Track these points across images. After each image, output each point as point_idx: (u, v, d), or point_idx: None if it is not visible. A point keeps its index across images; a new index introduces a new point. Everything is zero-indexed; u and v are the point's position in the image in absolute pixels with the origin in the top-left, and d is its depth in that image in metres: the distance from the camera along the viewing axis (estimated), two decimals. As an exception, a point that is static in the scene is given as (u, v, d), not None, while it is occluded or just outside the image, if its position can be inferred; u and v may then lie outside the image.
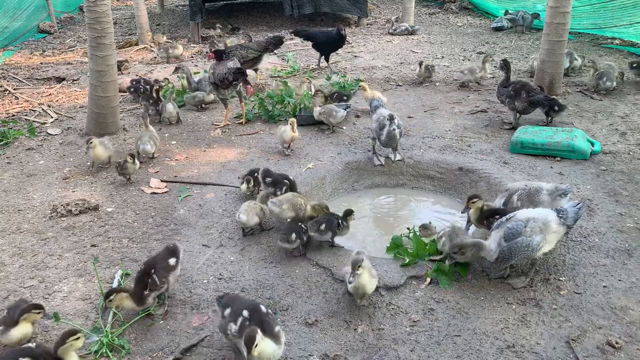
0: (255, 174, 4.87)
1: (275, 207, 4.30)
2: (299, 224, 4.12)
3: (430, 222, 4.37)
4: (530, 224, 3.53)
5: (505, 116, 6.76)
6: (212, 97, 7.51)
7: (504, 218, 3.67)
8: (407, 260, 3.93)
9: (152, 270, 3.49)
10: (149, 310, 3.50)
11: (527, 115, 6.72)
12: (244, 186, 4.89)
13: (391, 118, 5.24)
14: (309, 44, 11.59)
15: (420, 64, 8.39)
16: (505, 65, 6.59)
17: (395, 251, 4.03)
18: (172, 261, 3.61)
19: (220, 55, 6.88)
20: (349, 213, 4.26)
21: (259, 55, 6.96)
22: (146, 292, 3.42)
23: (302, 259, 4.07)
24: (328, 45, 9.19)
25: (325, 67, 9.43)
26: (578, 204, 3.72)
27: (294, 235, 4.01)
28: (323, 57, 9.36)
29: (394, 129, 5.23)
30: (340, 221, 4.18)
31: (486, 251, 3.62)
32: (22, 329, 3.21)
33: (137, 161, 5.35)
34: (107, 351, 3.21)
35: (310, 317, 3.48)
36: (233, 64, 6.57)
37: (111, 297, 3.34)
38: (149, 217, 4.77)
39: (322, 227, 4.09)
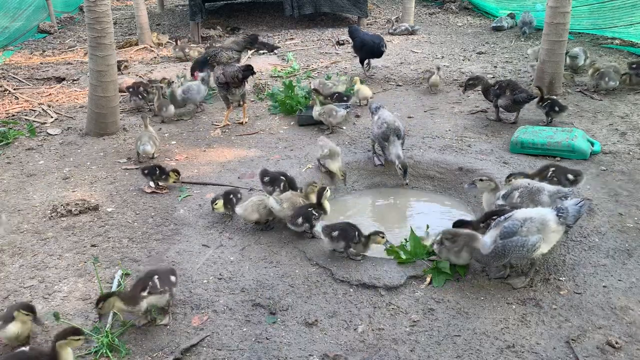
0: (231, 195, 4.56)
1: (276, 205, 4.32)
2: (351, 225, 4.03)
3: (427, 226, 4.37)
4: (526, 224, 3.52)
5: (505, 116, 6.76)
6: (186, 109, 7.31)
7: (502, 217, 3.67)
8: (405, 257, 3.93)
9: (156, 276, 3.42)
10: (154, 320, 3.49)
11: (529, 116, 6.73)
12: (219, 205, 4.53)
13: (391, 140, 5.28)
14: (309, 44, 11.62)
15: (438, 68, 7.91)
16: (477, 79, 6.84)
17: (394, 252, 4.03)
18: (172, 278, 3.53)
19: (202, 67, 7.11)
20: (375, 233, 3.99)
21: (240, 55, 7.13)
22: (143, 294, 3.35)
23: (302, 258, 4.07)
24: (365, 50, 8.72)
25: (370, 74, 9.01)
26: (580, 202, 3.70)
27: (336, 233, 3.96)
28: (365, 61, 8.92)
29: (398, 166, 5.27)
30: (357, 233, 3.97)
31: (480, 243, 3.59)
32: (17, 326, 3.20)
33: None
34: (107, 351, 3.21)
35: (310, 317, 3.48)
36: (239, 64, 6.70)
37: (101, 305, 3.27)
38: (149, 217, 4.77)
39: (335, 234, 3.94)
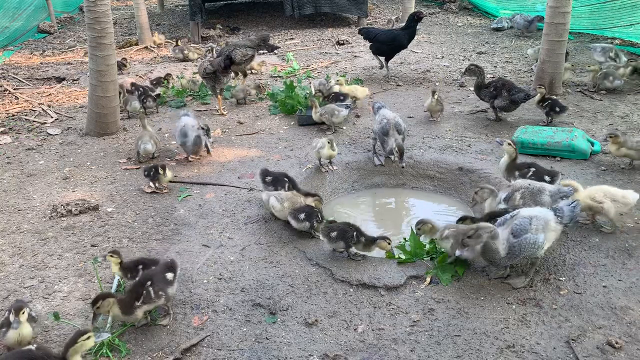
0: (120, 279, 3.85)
1: (277, 203, 4.33)
2: (350, 225, 4.00)
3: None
4: (534, 222, 3.54)
5: (505, 115, 6.76)
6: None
7: (507, 215, 3.67)
8: (405, 257, 3.93)
9: (149, 282, 3.37)
10: (154, 320, 3.48)
11: (529, 116, 6.73)
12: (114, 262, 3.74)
13: (391, 134, 5.27)
14: (309, 44, 11.62)
15: (433, 92, 6.58)
16: (478, 70, 6.64)
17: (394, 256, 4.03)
18: (169, 276, 3.46)
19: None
20: (382, 239, 3.94)
21: (254, 53, 7.24)
22: (137, 304, 3.31)
23: (302, 258, 4.07)
24: (390, 45, 8.45)
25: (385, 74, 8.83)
26: (573, 202, 3.74)
27: (335, 234, 3.94)
28: (384, 59, 8.71)
29: (395, 148, 5.24)
30: (356, 234, 3.95)
31: (499, 241, 3.54)
32: (15, 331, 3.15)
33: (168, 172, 5.19)
34: (107, 351, 3.21)
35: (310, 317, 3.48)
36: (221, 57, 7.05)
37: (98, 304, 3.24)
38: (149, 217, 4.77)
39: (333, 234, 3.94)
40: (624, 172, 5.18)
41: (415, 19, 8.23)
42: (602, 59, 8.15)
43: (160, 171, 5.13)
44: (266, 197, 4.52)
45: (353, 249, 4.01)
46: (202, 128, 5.90)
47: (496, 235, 3.52)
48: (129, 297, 3.33)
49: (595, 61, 8.19)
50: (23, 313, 3.16)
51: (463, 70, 7.04)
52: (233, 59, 6.95)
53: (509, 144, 4.71)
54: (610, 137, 5.16)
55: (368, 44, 8.99)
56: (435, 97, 6.52)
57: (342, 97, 7.03)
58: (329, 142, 5.32)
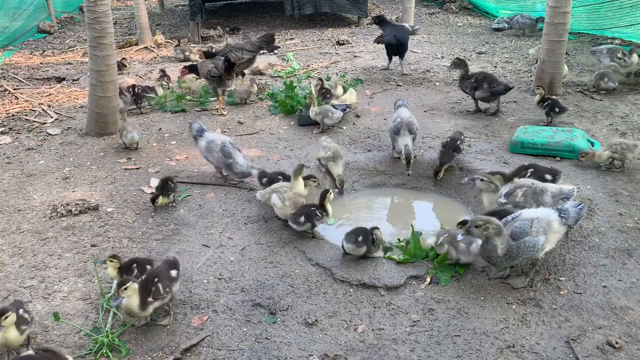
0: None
1: (279, 201, 4.33)
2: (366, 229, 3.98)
3: (420, 233, 4.30)
4: (535, 224, 3.53)
5: (506, 115, 6.77)
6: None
7: (509, 217, 3.66)
8: (404, 257, 3.93)
9: (156, 279, 3.38)
10: (154, 320, 3.48)
11: (529, 116, 6.73)
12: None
13: (402, 133, 5.30)
14: (309, 44, 11.62)
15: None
16: (462, 63, 6.91)
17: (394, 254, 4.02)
18: (173, 273, 3.51)
19: (192, 70, 7.39)
20: (375, 228, 4.02)
21: (254, 55, 7.14)
22: (149, 299, 3.32)
23: (302, 258, 4.07)
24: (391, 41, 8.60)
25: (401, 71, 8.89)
26: (579, 204, 3.73)
27: (360, 237, 3.89)
28: (396, 57, 8.76)
29: (402, 156, 5.25)
30: (372, 238, 3.97)
31: (499, 239, 3.52)
32: (3, 334, 3.06)
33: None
34: (107, 351, 3.21)
35: (310, 317, 3.48)
36: (222, 59, 7.10)
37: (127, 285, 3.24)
38: (149, 217, 4.77)
39: (360, 238, 3.90)
40: (623, 172, 5.18)
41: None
42: (608, 61, 8.10)
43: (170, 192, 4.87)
44: (260, 196, 4.54)
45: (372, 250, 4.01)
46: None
47: (500, 233, 3.50)
48: (141, 293, 3.32)
49: (601, 64, 8.11)
50: (6, 318, 3.04)
51: (449, 64, 7.32)
52: (229, 60, 6.95)
53: (482, 180, 4.32)
54: (582, 157, 5.26)
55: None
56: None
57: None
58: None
